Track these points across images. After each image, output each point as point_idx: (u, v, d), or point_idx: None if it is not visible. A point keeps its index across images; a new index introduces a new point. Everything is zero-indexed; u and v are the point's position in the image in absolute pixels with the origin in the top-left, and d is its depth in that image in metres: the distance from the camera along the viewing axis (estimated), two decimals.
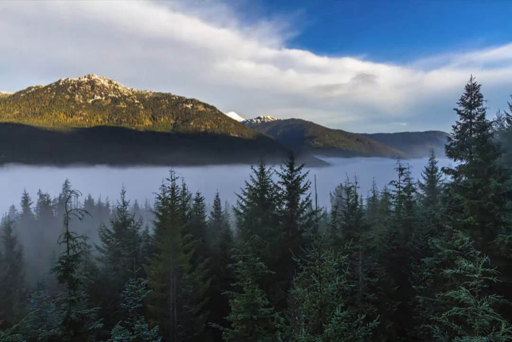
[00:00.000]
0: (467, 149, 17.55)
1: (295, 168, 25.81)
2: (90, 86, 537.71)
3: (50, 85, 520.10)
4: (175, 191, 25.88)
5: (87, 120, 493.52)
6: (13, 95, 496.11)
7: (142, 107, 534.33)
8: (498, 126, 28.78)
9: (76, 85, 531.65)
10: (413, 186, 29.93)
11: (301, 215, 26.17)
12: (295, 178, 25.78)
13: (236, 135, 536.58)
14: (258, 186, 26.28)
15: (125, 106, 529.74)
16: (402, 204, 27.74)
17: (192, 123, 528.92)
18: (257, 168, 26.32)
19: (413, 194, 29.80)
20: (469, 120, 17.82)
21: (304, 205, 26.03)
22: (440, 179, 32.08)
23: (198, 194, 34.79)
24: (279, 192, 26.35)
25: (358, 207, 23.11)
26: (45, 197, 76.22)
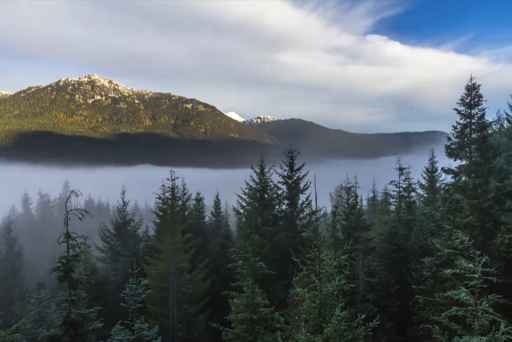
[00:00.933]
0: (467, 149, 17.55)
1: (295, 168, 25.81)
2: (90, 86, 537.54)
3: (50, 85, 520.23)
4: (175, 191, 25.88)
5: (87, 120, 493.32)
6: (13, 95, 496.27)
7: (142, 107, 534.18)
8: (498, 126, 28.75)
9: (76, 85, 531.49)
10: (413, 186, 29.94)
11: (301, 215, 26.17)
12: (295, 177, 25.78)
13: (236, 136, 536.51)
14: (258, 186, 26.27)
15: (125, 106, 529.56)
16: (402, 204, 27.75)
17: (192, 123, 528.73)
18: (257, 168, 26.30)
19: (413, 194, 29.80)
20: (469, 120, 17.83)
21: (304, 205, 26.02)
22: (440, 179, 32.07)
23: (198, 194, 34.79)
24: (279, 192, 26.34)
25: (358, 207, 23.11)
26: (45, 197, 76.24)
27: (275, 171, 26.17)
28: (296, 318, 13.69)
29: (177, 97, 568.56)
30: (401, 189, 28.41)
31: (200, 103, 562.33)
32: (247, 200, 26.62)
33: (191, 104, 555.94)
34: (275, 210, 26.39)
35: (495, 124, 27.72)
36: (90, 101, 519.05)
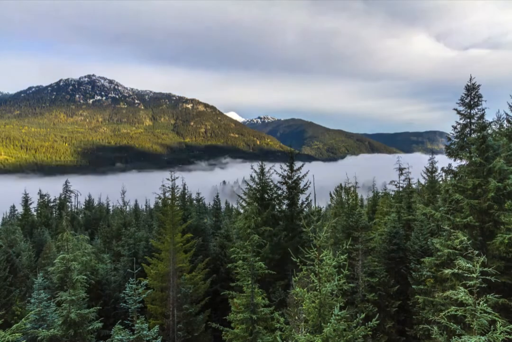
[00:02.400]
0: (467, 149, 17.56)
1: (295, 168, 25.81)
2: (90, 86, 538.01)
3: (50, 85, 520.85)
4: (175, 191, 25.89)
5: (87, 120, 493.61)
6: (14, 95, 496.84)
7: (142, 107, 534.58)
8: (498, 126, 28.77)
9: (76, 85, 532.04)
10: (413, 186, 29.96)
11: (301, 215, 26.17)
12: (295, 178, 25.78)
13: (236, 136, 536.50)
14: (258, 186, 26.27)
15: (125, 106, 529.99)
16: (402, 204, 27.76)
17: (192, 123, 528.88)
18: (257, 168, 26.32)
19: (413, 194, 29.81)
20: (468, 120, 17.85)
21: (304, 205, 26.02)
22: (440, 179, 32.08)
23: (198, 194, 34.85)
24: (279, 192, 26.34)
25: (358, 207, 23.12)
26: (45, 197, 76.19)
27: (275, 171, 26.16)
28: (296, 318, 13.71)
29: (177, 97, 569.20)
30: (401, 189, 28.42)
31: (200, 103, 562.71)
32: (247, 200, 26.62)
33: (191, 104, 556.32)
34: (275, 210, 26.39)
35: (495, 124, 27.74)
36: (90, 101, 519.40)
